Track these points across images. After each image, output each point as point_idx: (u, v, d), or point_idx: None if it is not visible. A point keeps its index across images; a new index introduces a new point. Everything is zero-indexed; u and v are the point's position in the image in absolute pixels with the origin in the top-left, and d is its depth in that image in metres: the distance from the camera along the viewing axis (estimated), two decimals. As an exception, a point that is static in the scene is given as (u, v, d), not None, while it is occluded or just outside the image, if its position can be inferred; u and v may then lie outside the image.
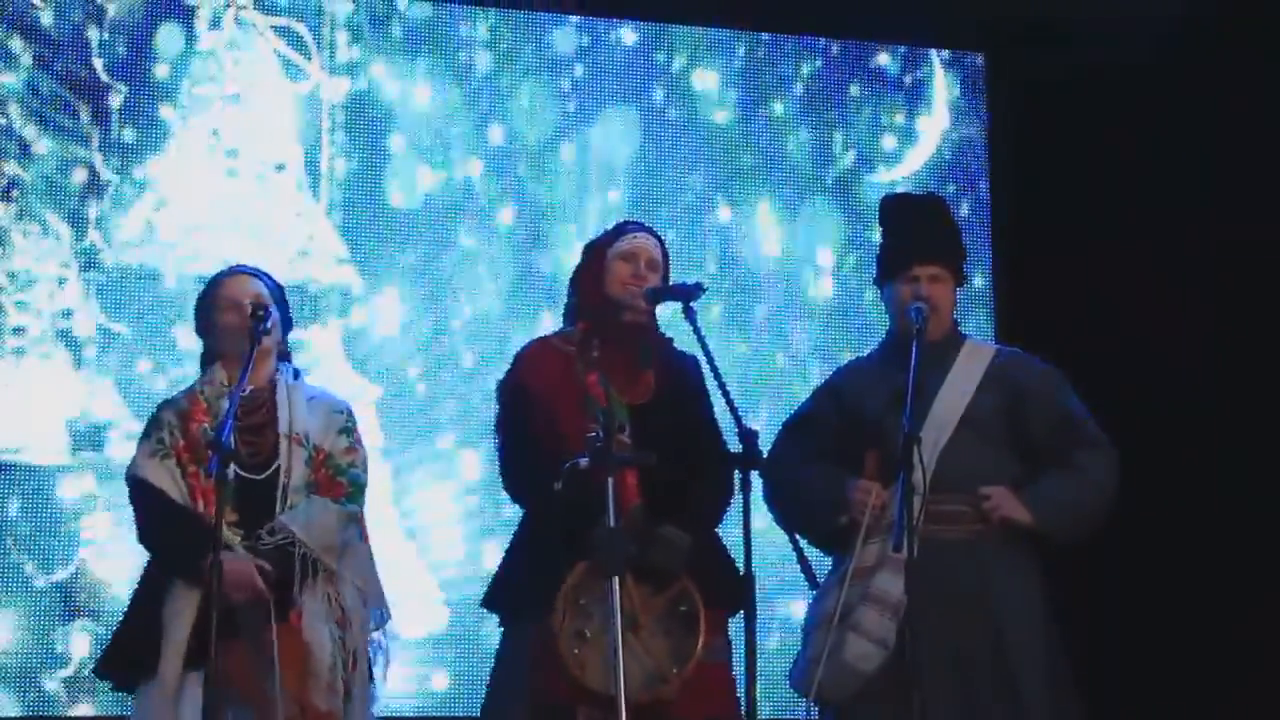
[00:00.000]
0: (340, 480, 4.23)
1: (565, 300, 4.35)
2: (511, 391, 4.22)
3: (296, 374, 4.38)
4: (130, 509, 4.27)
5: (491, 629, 5.87)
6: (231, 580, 3.97)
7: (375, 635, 4.27)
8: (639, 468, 3.98)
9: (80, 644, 5.72)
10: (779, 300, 6.57)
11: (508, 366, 4.30)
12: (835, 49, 6.80)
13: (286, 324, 4.40)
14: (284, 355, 4.39)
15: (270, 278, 4.43)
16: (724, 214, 6.57)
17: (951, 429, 4.34)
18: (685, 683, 3.93)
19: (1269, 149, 6.31)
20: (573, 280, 4.33)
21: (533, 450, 4.07)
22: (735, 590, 3.93)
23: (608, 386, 4.10)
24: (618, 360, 4.16)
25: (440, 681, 6.03)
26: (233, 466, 4.05)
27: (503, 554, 4.26)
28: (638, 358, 4.19)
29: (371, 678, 4.25)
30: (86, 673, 5.65)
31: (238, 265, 4.52)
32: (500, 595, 4.21)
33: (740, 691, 3.98)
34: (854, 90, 6.79)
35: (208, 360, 4.36)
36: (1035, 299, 6.58)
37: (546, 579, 3.95)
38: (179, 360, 5.91)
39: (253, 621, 4.01)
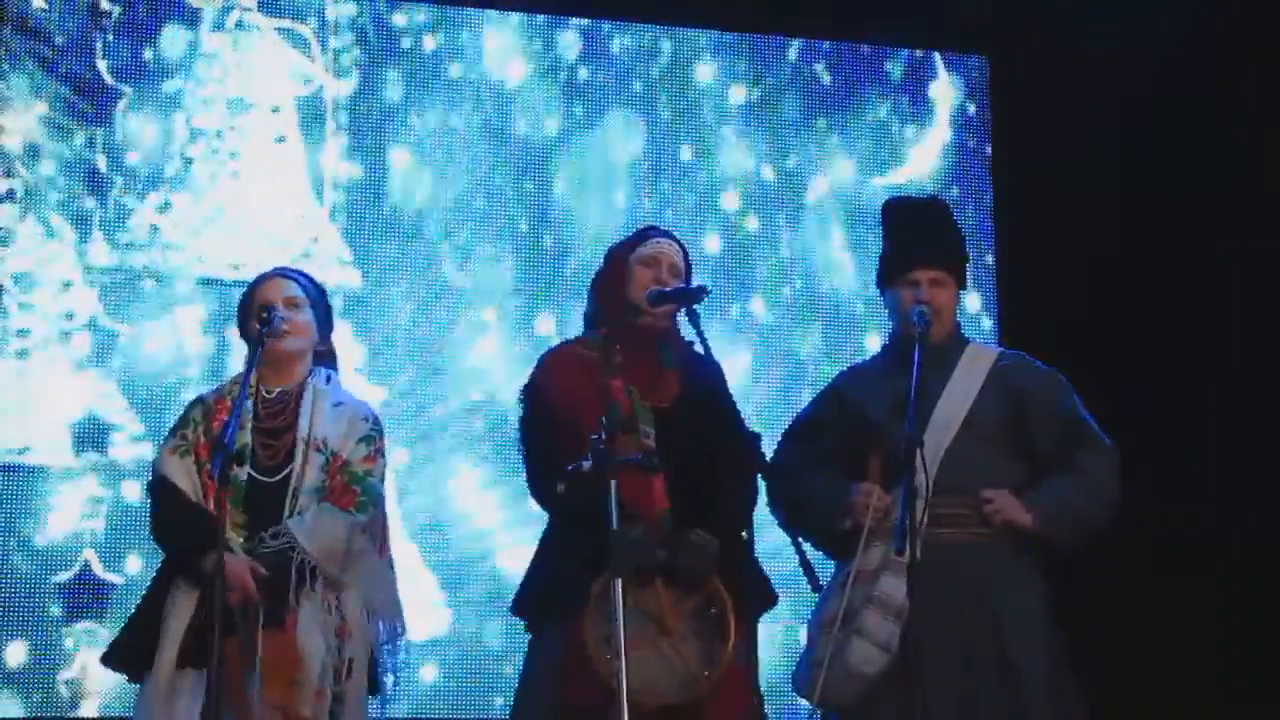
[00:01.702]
0: (354, 488, 4.18)
1: (585, 305, 4.36)
2: (535, 397, 4.23)
3: (329, 378, 4.34)
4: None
5: (493, 631, 5.96)
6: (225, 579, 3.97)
7: (387, 648, 4.23)
8: (668, 472, 3.98)
9: (83, 645, 5.72)
10: (782, 303, 6.56)
11: (530, 370, 4.31)
12: (839, 52, 6.80)
13: (326, 325, 4.38)
14: (324, 356, 4.37)
15: (308, 278, 4.40)
16: (727, 217, 6.57)
17: (954, 432, 4.34)
18: (715, 684, 3.94)
19: (1272, 147, 6.31)
20: (594, 285, 4.35)
21: (556, 456, 4.02)
22: (757, 593, 3.96)
23: (632, 391, 4.11)
24: (641, 364, 4.16)
25: (441, 682, 6.03)
26: (246, 467, 4.07)
27: (531, 558, 4.27)
28: (660, 361, 4.20)
29: (377, 689, 4.22)
30: (89, 674, 5.67)
31: (277, 268, 4.49)
32: (527, 600, 4.21)
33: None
34: (857, 93, 6.79)
35: (254, 364, 4.30)
36: (1038, 302, 6.57)
37: (572, 585, 3.96)
38: (184, 362, 5.93)
39: (244, 623, 4.00)
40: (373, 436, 4.27)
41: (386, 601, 4.24)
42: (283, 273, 4.43)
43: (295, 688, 4.01)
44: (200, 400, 4.31)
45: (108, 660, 4.23)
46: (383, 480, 4.27)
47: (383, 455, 4.28)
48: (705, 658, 3.97)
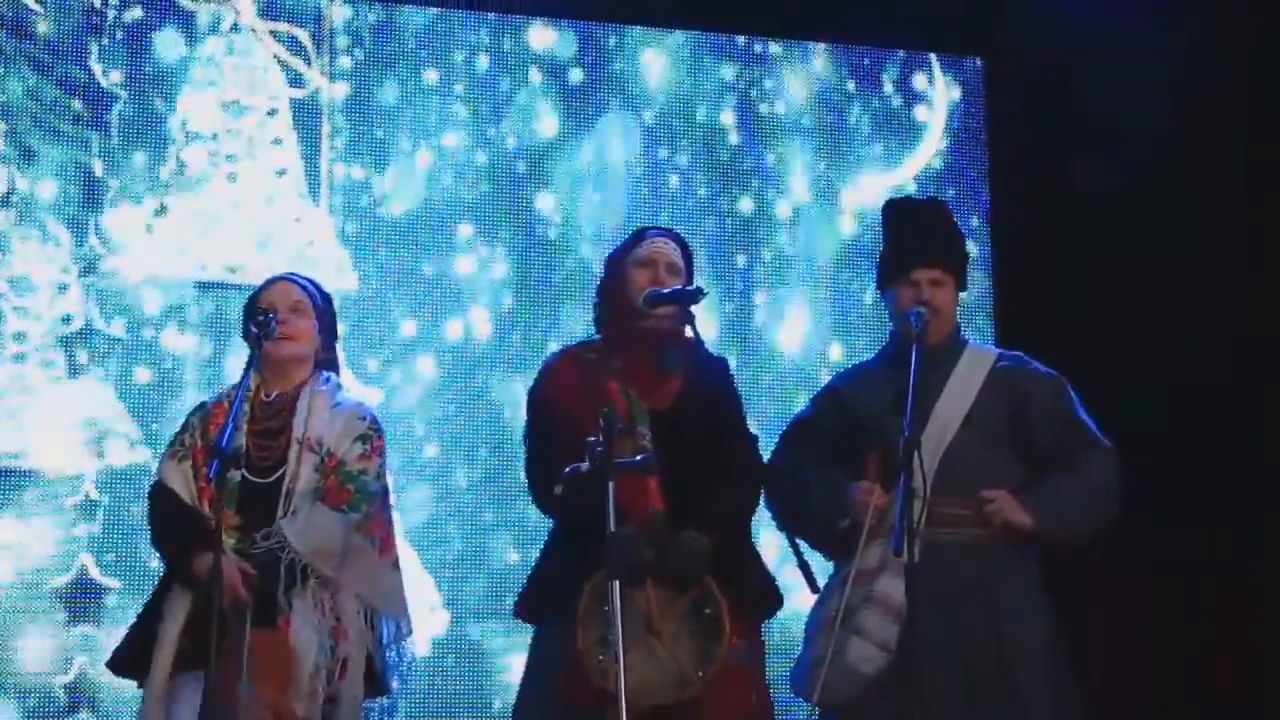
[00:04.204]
0: (347, 487, 4.18)
1: (593, 309, 4.37)
2: (536, 402, 4.25)
3: (329, 379, 4.35)
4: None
5: (490, 632, 5.95)
6: None
7: (391, 649, 4.22)
8: (661, 472, 3.98)
9: (80, 650, 5.71)
10: (778, 304, 6.56)
11: (534, 375, 4.33)
12: (834, 54, 6.80)
13: (330, 333, 4.40)
14: (326, 364, 4.37)
15: (315, 285, 4.42)
16: (723, 219, 6.57)
17: (953, 432, 4.34)
18: (709, 684, 3.94)
19: (1272, 149, 6.31)
20: (598, 291, 4.35)
21: (554, 459, 4.03)
22: (763, 598, 3.96)
23: (628, 393, 4.11)
24: (639, 367, 4.17)
25: (440, 684, 6.02)
26: (240, 469, 4.08)
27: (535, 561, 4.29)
28: (659, 363, 4.20)
29: (381, 691, 4.22)
30: (86, 679, 5.66)
31: (285, 273, 4.51)
32: (526, 601, 4.23)
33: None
34: (853, 94, 6.79)
35: (253, 366, 4.32)
36: (1036, 303, 6.56)
37: (567, 585, 3.96)
38: (181, 366, 5.92)
39: (235, 624, 3.99)
40: (369, 436, 4.27)
41: (388, 600, 4.23)
42: (290, 277, 4.44)
43: (288, 686, 4.00)
44: (201, 405, 4.35)
45: (114, 667, 4.25)
46: (378, 479, 4.26)
47: (380, 455, 4.27)
48: (699, 657, 3.96)
